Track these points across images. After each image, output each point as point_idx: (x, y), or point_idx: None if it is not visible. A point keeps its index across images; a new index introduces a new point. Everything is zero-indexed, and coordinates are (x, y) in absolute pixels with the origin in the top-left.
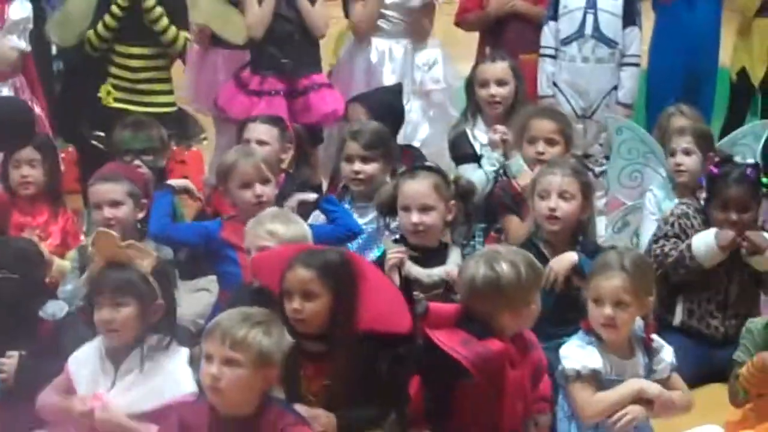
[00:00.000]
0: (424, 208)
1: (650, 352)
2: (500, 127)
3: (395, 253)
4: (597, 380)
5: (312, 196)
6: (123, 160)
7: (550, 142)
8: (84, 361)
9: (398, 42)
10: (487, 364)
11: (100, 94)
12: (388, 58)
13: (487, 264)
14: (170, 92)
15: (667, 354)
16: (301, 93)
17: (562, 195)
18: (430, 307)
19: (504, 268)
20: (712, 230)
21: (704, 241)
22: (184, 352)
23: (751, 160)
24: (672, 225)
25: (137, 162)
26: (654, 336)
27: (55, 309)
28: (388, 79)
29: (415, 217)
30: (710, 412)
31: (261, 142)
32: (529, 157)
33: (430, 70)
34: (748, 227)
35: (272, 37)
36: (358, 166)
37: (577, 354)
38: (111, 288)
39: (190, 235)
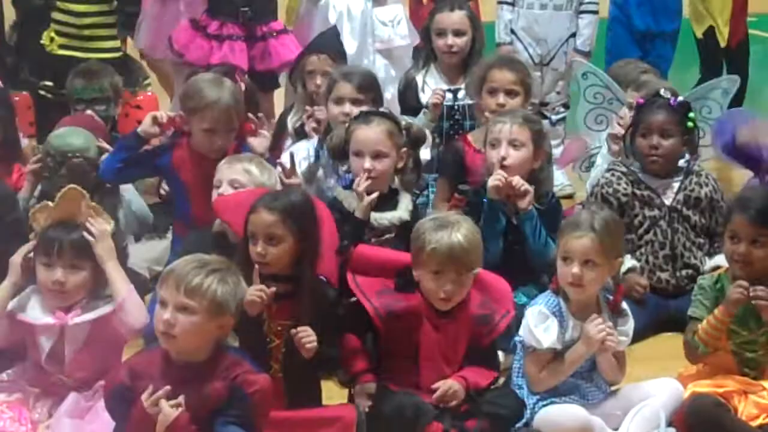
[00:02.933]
0: (377, 155)
1: (616, 315)
2: (439, 91)
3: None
4: (551, 354)
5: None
6: (75, 110)
7: (510, 93)
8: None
9: (356, 1)
10: (392, 319)
11: (43, 41)
12: (346, 17)
13: (434, 225)
14: (115, 37)
15: (630, 327)
16: (260, 38)
17: (512, 143)
18: (362, 251)
19: (432, 236)
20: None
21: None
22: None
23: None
24: (594, 195)
25: (89, 112)
26: (623, 302)
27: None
28: (348, 39)
29: (368, 163)
30: (665, 362)
31: None
32: (489, 108)
33: (397, 27)
34: (669, 154)
35: None
36: (348, 107)
37: (539, 332)
38: (70, 249)
39: (140, 170)
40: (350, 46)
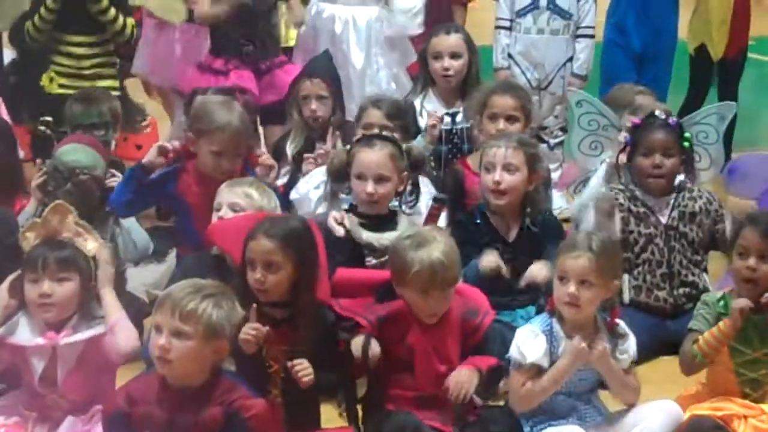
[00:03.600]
0: (380, 179)
1: (614, 337)
2: (435, 114)
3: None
4: (537, 371)
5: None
6: (70, 136)
7: (510, 119)
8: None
9: (361, 9)
10: (384, 324)
11: (42, 83)
12: (352, 28)
13: (410, 243)
14: (114, 77)
15: (631, 345)
16: (265, 72)
17: (506, 167)
18: (339, 274)
19: (413, 256)
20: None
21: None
22: None
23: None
24: (594, 209)
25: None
26: (620, 322)
27: None
28: (354, 50)
29: (370, 187)
30: (663, 386)
31: None
32: (490, 133)
33: (413, 17)
34: (671, 173)
35: (235, 24)
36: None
37: (525, 345)
38: (56, 261)
39: (150, 198)
40: (357, 57)
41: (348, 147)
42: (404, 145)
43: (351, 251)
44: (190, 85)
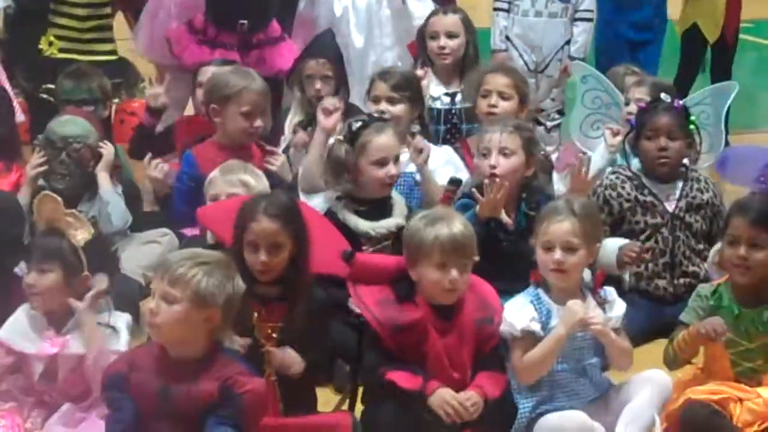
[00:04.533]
0: (396, 159)
1: (600, 302)
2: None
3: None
4: (532, 339)
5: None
6: (62, 109)
7: (502, 95)
8: (14, 329)
9: None
10: (396, 331)
11: (40, 45)
12: (352, 10)
13: (426, 221)
14: (112, 40)
15: (619, 308)
16: (255, 46)
17: (502, 151)
18: (358, 258)
19: (431, 230)
20: (617, 243)
21: (607, 251)
22: (124, 317)
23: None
24: (596, 195)
25: None
26: (606, 288)
27: None
28: (354, 33)
29: (394, 169)
30: (660, 368)
31: None
32: (482, 111)
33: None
34: (677, 156)
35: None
36: (384, 106)
37: (512, 316)
38: (39, 253)
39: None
40: (357, 39)
41: (343, 138)
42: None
43: (347, 240)
44: (179, 49)
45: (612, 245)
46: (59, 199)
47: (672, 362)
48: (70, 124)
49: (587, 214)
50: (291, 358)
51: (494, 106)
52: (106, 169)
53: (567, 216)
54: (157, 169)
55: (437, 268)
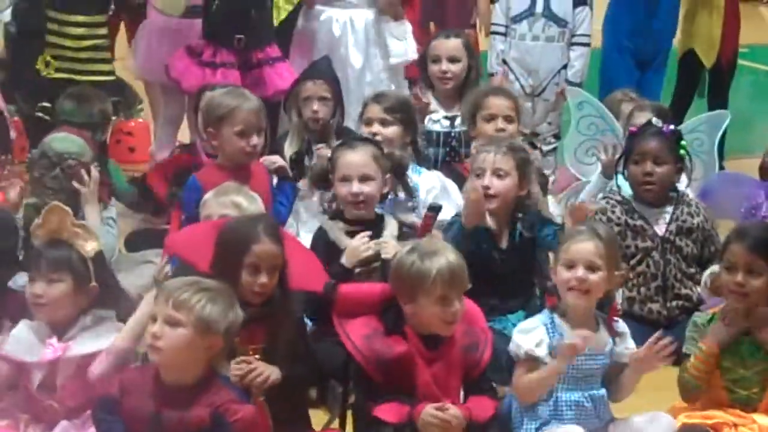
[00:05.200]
0: (365, 178)
1: (612, 333)
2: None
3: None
4: (536, 363)
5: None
6: (60, 130)
7: (507, 119)
8: (17, 342)
9: (359, 12)
10: (383, 365)
11: (37, 66)
12: (350, 30)
13: (420, 255)
14: (110, 61)
15: (631, 341)
16: (255, 66)
17: (496, 173)
18: (341, 290)
19: (429, 263)
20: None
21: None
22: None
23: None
24: (588, 219)
25: None
26: (619, 320)
27: (25, 281)
28: (353, 52)
29: (356, 187)
30: (656, 393)
31: None
32: (488, 134)
33: (407, 42)
34: (663, 182)
35: (227, 12)
36: (376, 128)
37: (521, 337)
38: (48, 263)
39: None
40: (356, 59)
41: (329, 154)
42: (386, 150)
43: (337, 260)
44: (176, 71)
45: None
46: (69, 210)
47: (691, 389)
48: (66, 141)
49: (610, 238)
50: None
51: (502, 129)
52: (93, 200)
53: (591, 237)
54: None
55: (438, 302)
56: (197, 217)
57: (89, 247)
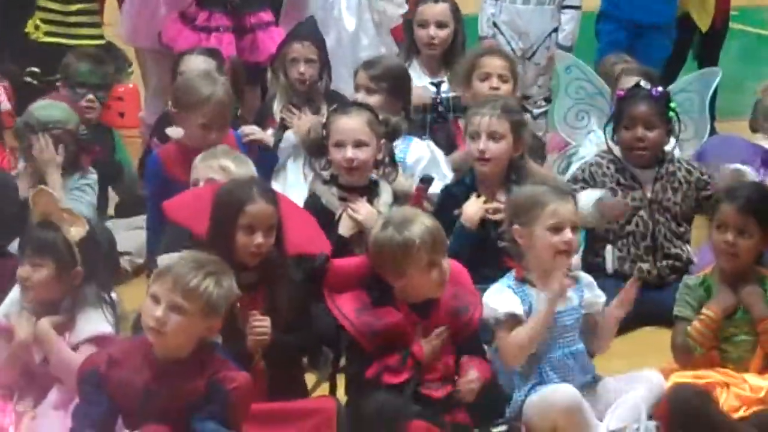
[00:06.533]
0: (359, 144)
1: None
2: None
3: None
4: (516, 322)
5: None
6: (75, 92)
7: (501, 78)
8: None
9: None
10: (376, 337)
11: (27, 29)
12: None
13: (396, 228)
14: (98, 25)
15: (598, 289)
16: (249, 30)
17: (491, 135)
18: (333, 264)
19: (409, 233)
20: (597, 192)
21: (585, 201)
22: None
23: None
24: (583, 170)
25: (90, 96)
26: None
27: None
28: (345, 15)
29: (350, 152)
30: (646, 357)
31: None
32: (483, 93)
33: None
34: (654, 146)
35: None
36: (362, 95)
37: (494, 301)
38: (32, 247)
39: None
40: (349, 22)
41: (323, 119)
42: (381, 116)
43: (329, 225)
44: (171, 38)
45: (589, 196)
46: (54, 193)
47: (689, 353)
48: (49, 109)
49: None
50: (259, 323)
51: (497, 88)
52: (53, 168)
53: (568, 197)
54: None
55: (427, 269)
56: (160, 193)
57: (74, 232)
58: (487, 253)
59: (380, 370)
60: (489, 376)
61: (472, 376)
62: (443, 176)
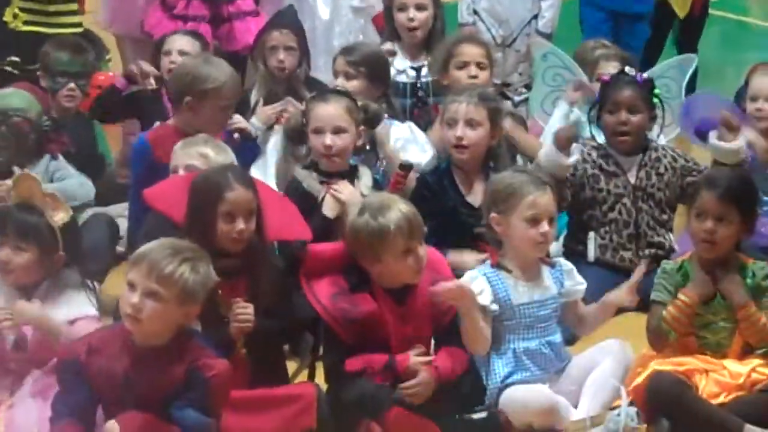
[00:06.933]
0: (337, 131)
1: (554, 268)
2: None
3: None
4: (485, 311)
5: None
6: (55, 82)
7: (479, 65)
8: None
9: None
10: (352, 324)
11: (5, 19)
12: None
13: (371, 214)
14: (77, 12)
15: (578, 276)
16: (226, 19)
17: (468, 123)
18: (310, 249)
19: (384, 219)
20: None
21: (545, 152)
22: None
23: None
24: (573, 174)
25: (71, 85)
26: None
27: None
28: (320, 4)
29: (329, 139)
30: (627, 341)
31: (182, 53)
32: (461, 81)
33: None
34: (638, 131)
35: None
36: (341, 81)
37: None
38: (15, 230)
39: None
40: (323, 11)
41: (303, 106)
42: (360, 102)
43: (311, 210)
44: (151, 26)
45: (546, 147)
46: (38, 178)
47: (663, 340)
48: (10, 97)
49: (554, 184)
50: (243, 310)
51: (475, 76)
52: None
53: (546, 187)
54: None
55: (404, 255)
56: (145, 178)
57: (58, 217)
58: (464, 239)
59: (362, 369)
60: (465, 365)
61: (421, 378)
62: (423, 150)
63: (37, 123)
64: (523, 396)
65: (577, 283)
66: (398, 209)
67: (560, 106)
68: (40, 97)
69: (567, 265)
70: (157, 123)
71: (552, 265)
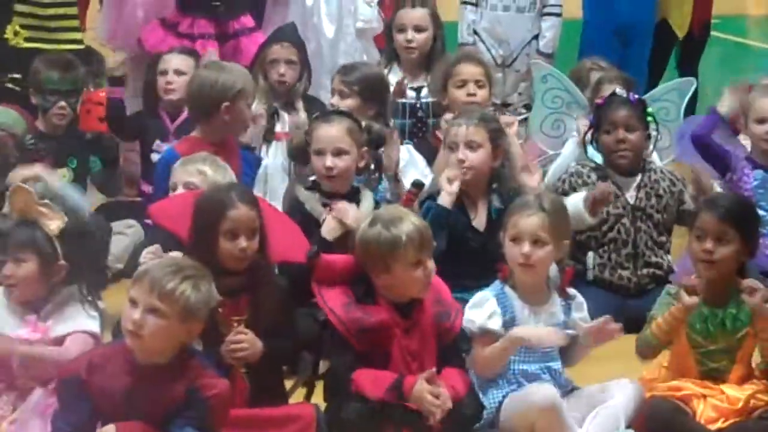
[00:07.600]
0: (338, 152)
1: (567, 300)
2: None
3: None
4: (492, 336)
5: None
6: (46, 99)
7: (478, 84)
8: None
9: None
10: (363, 333)
11: (6, 35)
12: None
13: (384, 225)
14: (78, 29)
15: (585, 312)
16: (232, 36)
17: (469, 145)
18: (323, 259)
19: (397, 230)
20: (582, 193)
21: (573, 203)
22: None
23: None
24: (563, 181)
25: (62, 104)
26: (572, 290)
27: None
28: (325, 22)
29: (329, 161)
30: (626, 363)
31: (178, 72)
32: (460, 100)
33: (377, 8)
34: (635, 148)
35: None
36: (336, 99)
37: (473, 312)
38: (14, 244)
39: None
40: (328, 29)
41: (307, 127)
42: (364, 123)
43: (312, 231)
44: (153, 46)
45: (576, 198)
46: (32, 190)
47: (648, 349)
48: None
49: (556, 210)
50: (252, 340)
51: (473, 95)
52: None
53: (536, 211)
54: None
55: (413, 267)
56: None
57: (53, 226)
58: (467, 263)
59: (365, 389)
60: (467, 387)
61: (443, 400)
62: (423, 174)
63: (20, 139)
64: (527, 394)
65: (583, 318)
66: (410, 221)
67: (570, 143)
68: (27, 118)
69: (579, 298)
70: (157, 141)
71: (567, 298)
